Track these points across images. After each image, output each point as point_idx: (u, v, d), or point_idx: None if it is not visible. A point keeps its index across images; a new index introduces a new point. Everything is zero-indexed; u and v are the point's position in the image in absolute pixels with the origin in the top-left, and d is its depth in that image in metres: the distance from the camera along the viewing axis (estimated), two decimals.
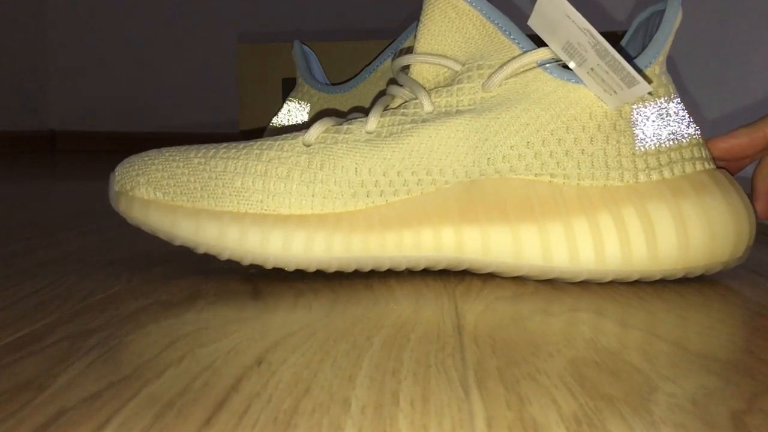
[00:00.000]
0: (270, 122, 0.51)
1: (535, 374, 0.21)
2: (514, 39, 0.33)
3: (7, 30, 1.89)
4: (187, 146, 0.35)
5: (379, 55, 0.46)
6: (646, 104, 0.33)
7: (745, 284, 0.34)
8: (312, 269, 0.33)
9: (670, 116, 0.33)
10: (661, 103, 0.33)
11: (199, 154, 0.34)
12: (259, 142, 0.34)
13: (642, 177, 0.33)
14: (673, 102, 0.33)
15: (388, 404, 0.19)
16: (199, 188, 0.33)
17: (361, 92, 0.46)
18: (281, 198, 0.32)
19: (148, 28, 2.05)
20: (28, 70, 2.00)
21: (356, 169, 0.32)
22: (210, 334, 0.25)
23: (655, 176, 0.33)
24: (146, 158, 0.34)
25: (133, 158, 0.35)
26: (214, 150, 0.34)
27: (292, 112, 0.49)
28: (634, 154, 0.33)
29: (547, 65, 0.33)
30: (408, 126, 0.33)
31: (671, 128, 0.33)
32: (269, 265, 0.32)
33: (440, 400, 0.19)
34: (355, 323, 0.27)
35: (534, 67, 0.33)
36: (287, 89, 0.64)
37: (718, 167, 0.35)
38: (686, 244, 0.32)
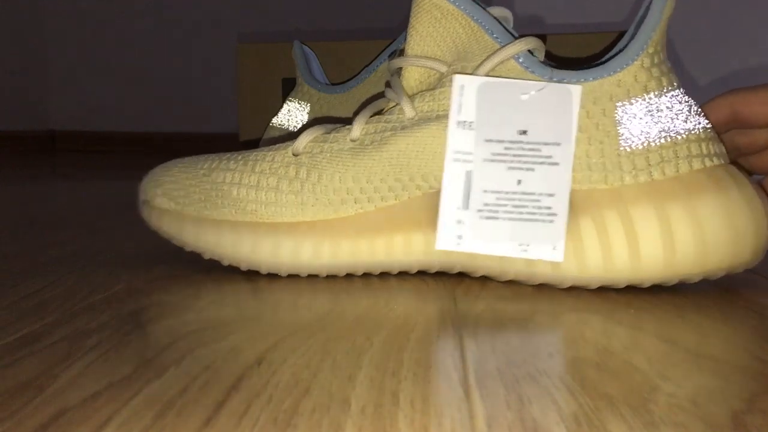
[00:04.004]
0: (270, 122, 0.51)
1: (535, 374, 0.21)
2: (497, 38, 0.32)
3: (6, 30, 1.89)
4: (197, 157, 0.37)
5: (379, 55, 0.46)
6: (632, 101, 0.31)
7: (745, 284, 0.34)
8: (303, 275, 0.34)
9: (662, 112, 0.31)
10: (650, 98, 0.31)
11: (204, 166, 0.36)
12: (254, 153, 0.35)
13: (628, 179, 0.31)
14: (665, 96, 0.31)
15: (388, 404, 0.19)
16: (203, 199, 0.35)
17: (360, 92, 0.46)
18: (273, 207, 0.34)
19: (147, 28, 2.05)
20: (28, 70, 2.00)
21: (340, 178, 0.33)
22: (210, 334, 0.25)
23: (642, 177, 0.31)
24: (164, 169, 0.37)
25: (156, 169, 0.37)
26: (217, 161, 0.36)
27: (292, 112, 0.49)
28: (618, 154, 0.31)
29: (522, 60, 0.31)
30: (388, 134, 0.33)
31: (663, 125, 0.31)
32: (263, 271, 0.34)
33: (440, 400, 0.19)
34: (355, 323, 0.27)
35: (510, 65, 0.31)
36: (287, 89, 0.64)
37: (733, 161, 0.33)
38: (672, 251, 0.30)
